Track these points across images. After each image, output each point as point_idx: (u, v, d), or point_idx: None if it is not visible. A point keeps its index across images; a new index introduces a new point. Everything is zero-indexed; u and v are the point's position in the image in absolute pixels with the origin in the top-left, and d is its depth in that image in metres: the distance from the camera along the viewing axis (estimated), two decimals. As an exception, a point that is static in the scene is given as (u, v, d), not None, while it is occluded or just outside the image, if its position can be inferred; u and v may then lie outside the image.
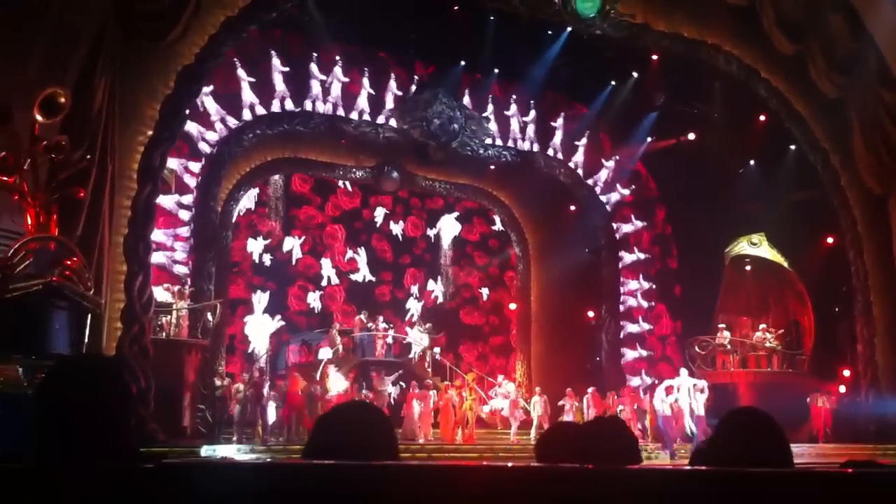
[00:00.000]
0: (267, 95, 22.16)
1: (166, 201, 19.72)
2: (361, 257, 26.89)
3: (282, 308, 25.14)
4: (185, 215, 20.71)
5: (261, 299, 24.74)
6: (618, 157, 26.96)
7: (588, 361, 26.81)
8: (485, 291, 29.02)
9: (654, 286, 27.57)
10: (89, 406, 2.46)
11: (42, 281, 12.74)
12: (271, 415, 19.34)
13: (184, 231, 20.67)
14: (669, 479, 2.29)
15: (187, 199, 20.78)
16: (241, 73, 21.60)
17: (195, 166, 20.95)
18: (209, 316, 19.57)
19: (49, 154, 13.78)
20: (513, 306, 29.00)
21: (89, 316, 13.86)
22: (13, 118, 13.06)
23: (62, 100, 13.69)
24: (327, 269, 26.31)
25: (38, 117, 13.43)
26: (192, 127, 20.46)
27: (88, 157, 15.00)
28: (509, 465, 2.25)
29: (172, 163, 19.81)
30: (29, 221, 13.67)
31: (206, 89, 20.47)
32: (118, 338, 15.82)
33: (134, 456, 2.49)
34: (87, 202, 15.03)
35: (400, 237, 27.74)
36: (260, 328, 24.44)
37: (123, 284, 16.15)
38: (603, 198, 27.05)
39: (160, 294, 18.50)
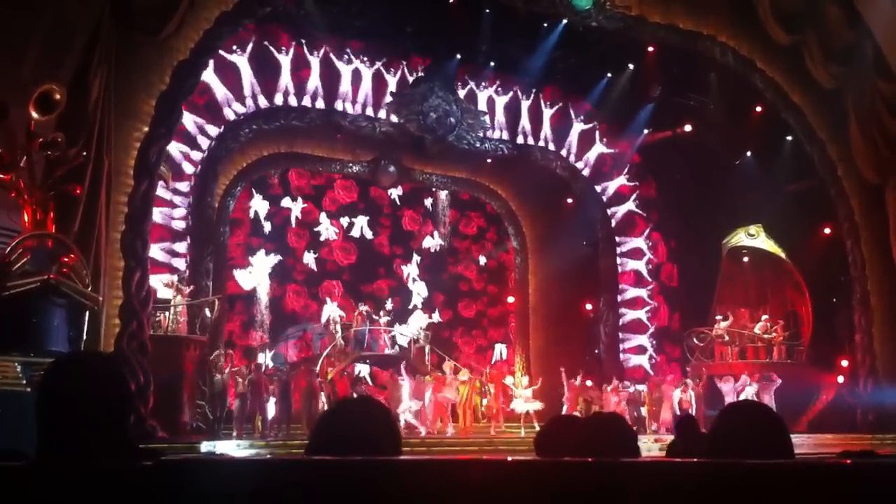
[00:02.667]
0: (262, 90, 22.13)
1: (163, 195, 19.67)
2: (359, 220, 27.02)
3: (280, 266, 25.33)
4: (181, 211, 20.69)
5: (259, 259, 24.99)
6: (614, 149, 26.94)
7: (587, 353, 26.85)
8: (482, 259, 29.15)
9: (651, 278, 27.55)
10: (88, 403, 2.45)
11: (39, 278, 12.74)
12: (270, 409, 19.37)
13: (181, 227, 20.67)
14: (670, 472, 2.29)
15: (184, 191, 20.79)
16: (235, 66, 21.60)
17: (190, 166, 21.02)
18: (207, 312, 19.57)
19: (45, 151, 13.76)
20: (511, 299, 29.03)
21: (87, 313, 13.87)
22: (8, 115, 13.05)
23: (57, 96, 13.68)
24: (325, 223, 26.37)
25: (34, 114, 13.42)
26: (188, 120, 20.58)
27: (84, 153, 14.97)
28: (509, 458, 2.25)
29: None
30: (26, 219, 13.67)
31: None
32: (116, 334, 15.82)
33: (133, 453, 2.49)
34: (83, 199, 15.01)
35: (398, 199, 27.79)
36: (260, 269, 24.74)
37: (121, 281, 16.13)
38: (599, 190, 27.06)
39: (159, 290, 18.51)
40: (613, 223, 27.27)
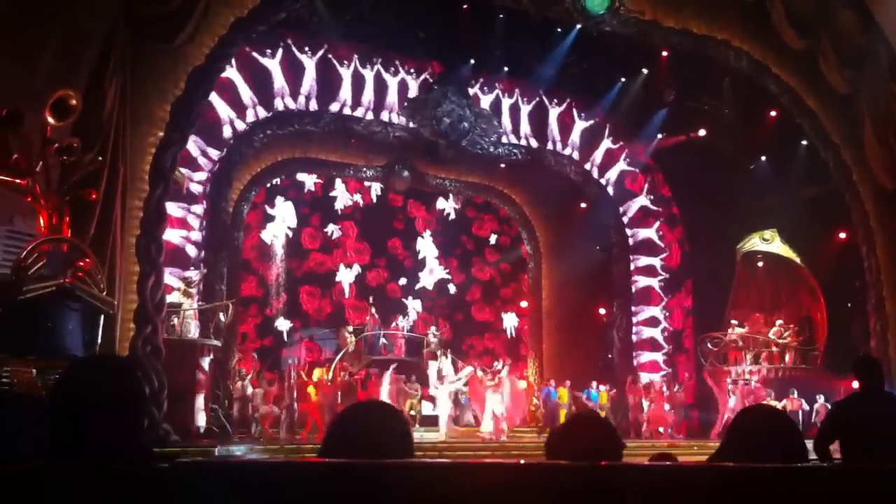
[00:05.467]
0: (276, 96, 22.22)
1: (177, 202, 19.76)
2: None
3: (295, 243, 25.93)
4: (196, 216, 20.78)
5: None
6: (628, 154, 26.90)
7: (600, 359, 26.80)
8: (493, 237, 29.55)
9: (665, 282, 27.47)
10: (103, 406, 2.47)
11: (55, 282, 12.80)
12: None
13: (195, 234, 20.76)
14: (680, 476, 2.30)
15: (198, 195, 20.94)
16: (249, 72, 21.71)
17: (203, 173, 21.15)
18: (221, 316, 19.61)
19: (61, 156, 13.83)
20: (524, 304, 29.02)
21: (102, 317, 13.92)
22: (24, 121, 13.12)
23: (73, 102, 13.74)
24: (340, 188, 27.04)
25: (50, 120, 13.49)
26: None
27: (100, 158, 15.03)
28: (521, 461, 2.26)
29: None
30: (41, 223, 13.73)
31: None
32: (131, 338, 15.86)
33: (148, 456, 2.51)
34: (98, 204, 15.07)
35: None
36: (279, 225, 25.48)
37: (136, 285, 16.18)
38: (613, 194, 27.01)
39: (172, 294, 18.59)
40: (627, 228, 27.20)
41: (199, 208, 20.81)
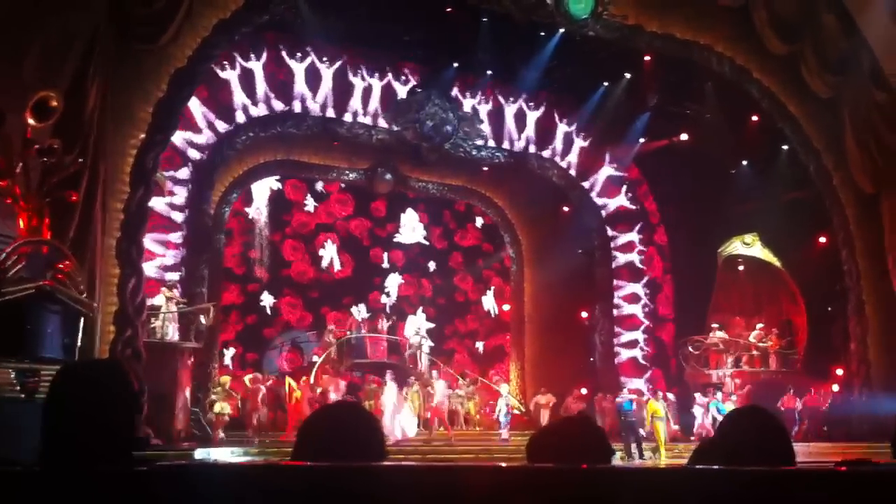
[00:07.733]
0: (259, 98, 22.15)
1: (158, 204, 19.58)
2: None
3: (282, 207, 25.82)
4: (177, 218, 20.67)
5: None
6: (610, 158, 26.94)
7: (582, 362, 26.82)
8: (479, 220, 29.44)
9: (646, 286, 27.53)
10: (95, 410, 2.46)
11: (35, 285, 12.71)
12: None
13: (176, 236, 20.63)
14: (667, 479, 2.29)
15: (180, 200, 20.78)
16: (232, 75, 21.63)
17: (184, 171, 21.01)
18: (202, 319, 19.51)
19: (41, 157, 13.75)
20: (506, 308, 29.02)
21: (82, 319, 13.82)
22: (5, 121, 13.03)
23: (54, 103, 13.67)
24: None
25: (31, 121, 13.40)
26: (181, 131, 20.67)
27: (81, 160, 14.94)
28: (503, 465, 2.25)
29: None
30: (21, 225, 13.65)
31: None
32: (111, 341, 15.77)
33: (128, 459, 2.49)
34: (79, 205, 14.97)
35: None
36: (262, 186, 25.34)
37: (116, 287, 16.09)
38: (596, 199, 27.06)
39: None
40: (609, 231, 27.24)
41: (179, 215, 20.73)
